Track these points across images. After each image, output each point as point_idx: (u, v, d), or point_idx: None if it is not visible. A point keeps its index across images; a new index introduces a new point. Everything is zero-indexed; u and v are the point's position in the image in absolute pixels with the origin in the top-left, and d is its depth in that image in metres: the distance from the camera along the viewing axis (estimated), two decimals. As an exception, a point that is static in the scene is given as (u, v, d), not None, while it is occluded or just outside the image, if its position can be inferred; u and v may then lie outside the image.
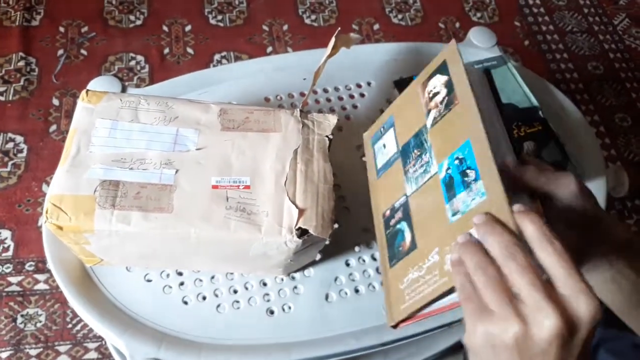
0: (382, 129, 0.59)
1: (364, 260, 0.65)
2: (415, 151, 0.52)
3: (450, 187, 0.46)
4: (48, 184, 1.14)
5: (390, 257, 0.50)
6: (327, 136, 0.57)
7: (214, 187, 0.52)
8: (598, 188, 0.73)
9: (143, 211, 0.50)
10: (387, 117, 0.59)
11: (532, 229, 0.37)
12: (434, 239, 0.45)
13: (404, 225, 0.50)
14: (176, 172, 0.53)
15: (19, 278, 1.03)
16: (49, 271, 1.04)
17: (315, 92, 0.79)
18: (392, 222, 0.52)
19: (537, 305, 0.35)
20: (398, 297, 0.47)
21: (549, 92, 0.83)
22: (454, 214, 0.44)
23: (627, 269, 0.48)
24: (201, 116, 0.57)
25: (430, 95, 0.53)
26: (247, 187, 0.53)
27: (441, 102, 0.51)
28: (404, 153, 0.54)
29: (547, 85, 0.84)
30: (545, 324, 0.34)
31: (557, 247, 0.36)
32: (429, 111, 0.52)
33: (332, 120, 0.58)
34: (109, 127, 0.55)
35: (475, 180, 0.44)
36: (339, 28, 0.60)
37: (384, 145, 0.58)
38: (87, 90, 0.58)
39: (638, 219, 1.30)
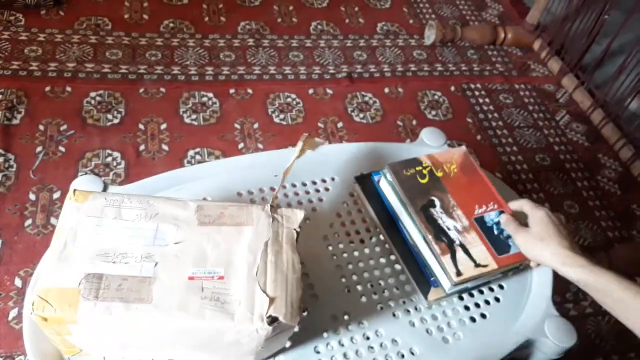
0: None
1: (332, 347, 0.68)
2: None
3: None
4: (21, 277, 1.15)
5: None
6: (295, 229, 0.63)
7: (190, 278, 0.57)
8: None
9: (124, 302, 0.54)
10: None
11: None
12: None
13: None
14: (155, 264, 0.57)
15: (-15, 375, 1.01)
16: (16, 367, 1.03)
17: (284, 187, 0.85)
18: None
19: None
20: None
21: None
22: None
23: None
24: (179, 213, 0.62)
25: None
26: (221, 277, 0.58)
27: None
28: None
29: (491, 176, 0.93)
30: None
31: None
32: None
33: (299, 214, 0.65)
34: (94, 224, 0.60)
35: None
36: (306, 133, 0.67)
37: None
38: (75, 190, 0.63)
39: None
